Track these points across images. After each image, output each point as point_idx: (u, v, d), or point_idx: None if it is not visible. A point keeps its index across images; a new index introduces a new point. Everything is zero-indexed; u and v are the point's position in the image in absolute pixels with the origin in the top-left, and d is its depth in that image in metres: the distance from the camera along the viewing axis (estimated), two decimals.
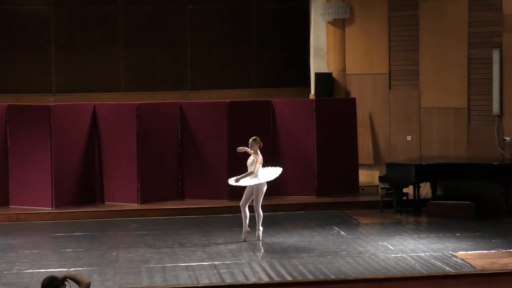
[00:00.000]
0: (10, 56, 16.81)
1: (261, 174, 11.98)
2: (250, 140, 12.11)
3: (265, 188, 12.06)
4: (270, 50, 17.50)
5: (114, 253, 11.37)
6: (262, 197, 12.05)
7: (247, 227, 12.01)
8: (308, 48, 16.90)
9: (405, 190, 14.38)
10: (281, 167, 15.22)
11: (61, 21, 16.94)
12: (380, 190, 14.99)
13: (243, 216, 11.99)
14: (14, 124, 14.51)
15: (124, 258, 11.10)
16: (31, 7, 16.95)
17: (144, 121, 14.66)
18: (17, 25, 16.81)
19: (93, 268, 10.56)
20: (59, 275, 6.33)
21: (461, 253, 11.03)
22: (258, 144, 12.05)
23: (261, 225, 12.13)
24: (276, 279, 9.87)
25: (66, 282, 6.28)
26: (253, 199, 12.01)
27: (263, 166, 12.07)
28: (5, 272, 10.39)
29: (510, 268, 10.22)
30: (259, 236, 12.09)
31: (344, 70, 16.38)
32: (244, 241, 11.93)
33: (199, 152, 15.10)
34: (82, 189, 14.67)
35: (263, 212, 14.39)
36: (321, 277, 9.87)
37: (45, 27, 16.87)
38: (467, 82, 15.05)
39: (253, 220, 12.09)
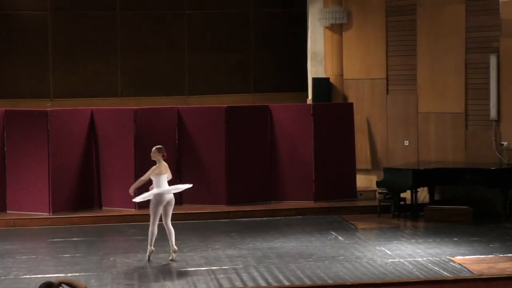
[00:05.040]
0: (7, 61, 16.81)
1: (161, 186, 11.11)
2: (153, 148, 11.22)
3: (168, 201, 11.18)
4: (268, 55, 17.52)
5: (111, 259, 11.36)
6: (170, 212, 11.22)
7: (152, 247, 11.15)
8: (306, 53, 16.91)
9: (403, 195, 14.38)
10: (279, 171, 15.33)
11: (59, 26, 16.94)
12: (377, 195, 14.99)
13: (153, 235, 11.12)
14: (12, 129, 14.48)
15: (122, 264, 11.09)
16: (29, 12, 16.96)
17: (142, 126, 14.65)
18: (14, 30, 16.81)
19: (90, 273, 10.55)
20: (55, 280, 6.31)
21: (459, 258, 11.03)
22: (161, 154, 11.22)
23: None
24: (274, 284, 9.86)
25: None
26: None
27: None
28: (2, 277, 10.37)
29: (508, 273, 10.22)
30: (174, 253, 11.23)
31: (342, 75, 16.39)
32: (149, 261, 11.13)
33: (197, 157, 15.09)
34: (79, 194, 14.65)
35: (261, 217, 14.46)
36: (319, 282, 9.87)
37: (43, 32, 16.87)
38: (465, 87, 15.06)
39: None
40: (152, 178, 11.17)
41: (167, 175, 11.25)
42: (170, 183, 11.42)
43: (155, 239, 11.24)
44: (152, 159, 11.28)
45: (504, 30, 14.50)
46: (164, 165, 11.23)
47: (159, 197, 11.10)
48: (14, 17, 16.87)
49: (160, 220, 11.27)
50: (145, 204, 14.55)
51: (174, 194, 11.36)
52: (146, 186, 11.43)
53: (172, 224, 13.92)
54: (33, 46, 16.85)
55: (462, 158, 15.04)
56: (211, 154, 15.04)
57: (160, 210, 11.16)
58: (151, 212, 11.18)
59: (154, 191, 11.14)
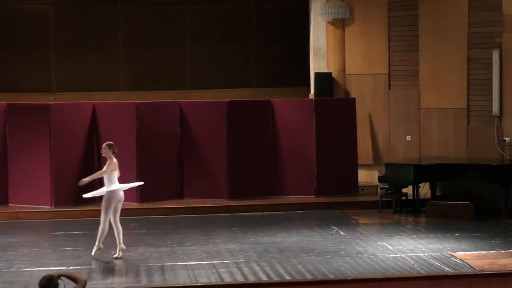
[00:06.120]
0: (9, 55, 16.81)
1: (115, 183, 11.01)
2: (104, 145, 11.12)
3: (120, 198, 11.05)
4: (270, 49, 17.50)
5: (113, 252, 11.36)
6: (119, 209, 11.08)
7: (101, 244, 11.01)
8: (308, 48, 16.90)
9: (404, 190, 14.38)
10: (280, 166, 15.34)
11: (61, 20, 16.94)
12: (379, 190, 15.00)
13: (103, 232, 10.94)
14: (14, 122, 14.50)
15: (123, 257, 11.10)
16: (30, 6, 16.94)
17: (144, 120, 14.66)
18: (16, 24, 16.81)
19: (92, 266, 10.56)
20: (55, 273, 6.31)
21: (460, 254, 11.03)
22: (112, 150, 11.07)
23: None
24: (275, 278, 9.86)
25: (60, 281, 6.27)
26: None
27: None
28: (4, 270, 10.39)
29: (509, 268, 10.22)
30: (122, 251, 11.03)
31: (344, 70, 16.38)
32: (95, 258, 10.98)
33: (198, 151, 15.10)
34: (81, 188, 14.62)
35: (262, 211, 14.47)
36: (320, 277, 9.87)
37: (45, 26, 16.87)
38: (467, 83, 15.05)
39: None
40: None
41: (117, 172, 11.12)
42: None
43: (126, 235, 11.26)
44: (104, 155, 11.16)
45: (507, 26, 14.48)
46: (115, 161, 11.11)
47: (112, 194, 10.97)
48: (16, 11, 16.86)
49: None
50: (147, 198, 14.63)
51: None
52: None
53: (173, 218, 14.00)
54: (35, 40, 16.85)
55: (464, 153, 15.03)
56: (213, 149, 15.04)
57: (112, 207, 11.02)
58: (103, 209, 11.01)
59: (107, 188, 11.01)
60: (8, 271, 10.36)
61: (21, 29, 16.82)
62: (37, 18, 16.89)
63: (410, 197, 14.39)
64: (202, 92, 17.12)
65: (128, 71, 17.17)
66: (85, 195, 11.32)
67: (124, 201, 14.33)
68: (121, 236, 11.07)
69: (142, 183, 12.02)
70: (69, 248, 11.64)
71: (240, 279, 9.85)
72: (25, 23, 16.84)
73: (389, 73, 15.99)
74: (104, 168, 11.05)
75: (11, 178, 14.49)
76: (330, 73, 16.36)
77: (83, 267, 10.48)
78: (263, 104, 15.44)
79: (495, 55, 14.54)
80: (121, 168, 14.52)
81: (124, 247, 11.13)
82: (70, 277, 6.48)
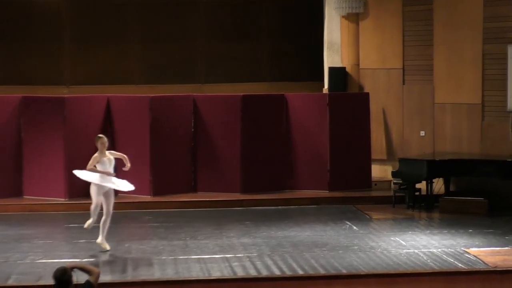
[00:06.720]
0: (23, 48, 16.86)
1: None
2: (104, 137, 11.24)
3: (103, 191, 11.18)
4: (284, 44, 17.48)
5: (126, 245, 11.41)
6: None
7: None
8: (322, 42, 16.87)
9: (418, 185, 14.34)
10: (294, 161, 15.32)
11: (74, 14, 16.98)
12: (392, 186, 14.96)
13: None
14: (28, 115, 14.55)
15: (136, 250, 11.14)
16: (44, 0, 16.98)
17: (157, 113, 14.67)
18: (30, 18, 16.86)
19: (105, 259, 10.60)
20: (68, 265, 6.35)
21: (473, 250, 11.00)
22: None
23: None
24: (288, 273, 9.87)
25: (72, 272, 6.31)
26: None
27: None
28: (18, 261, 10.45)
29: None
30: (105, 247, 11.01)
31: (358, 65, 16.34)
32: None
33: (212, 145, 15.11)
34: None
35: (275, 206, 14.46)
36: (333, 272, 9.87)
37: (58, 19, 16.91)
38: (481, 78, 14.99)
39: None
40: None
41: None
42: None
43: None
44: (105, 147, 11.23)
45: None
46: (94, 155, 11.18)
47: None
48: (30, 5, 16.91)
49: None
50: (160, 191, 14.66)
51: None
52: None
53: (186, 211, 14.02)
54: (48, 33, 16.89)
55: (477, 149, 14.98)
56: (226, 143, 15.05)
57: (100, 196, 11.25)
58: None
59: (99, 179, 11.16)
60: (22, 262, 10.42)
61: (35, 22, 16.87)
62: (51, 11, 16.93)
63: (423, 192, 14.35)
64: (215, 86, 17.12)
65: (141, 65, 17.19)
66: (75, 171, 11.41)
67: (138, 194, 14.55)
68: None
69: (133, 188, 11.77)
70: (83, 241, 11.68)
71: (253, 273, 9.86)
72: (39, 16, 16.88)
73: (403, 68, 15.95)
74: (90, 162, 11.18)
75: (25, 171, 14.56)
76: (344, 68, 16.32)
77: (96, 259, 10.51)
78: (277, 99, 15.43)
79: (510, 50, 14.46)
80: (135, 160, 14.64)
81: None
82: (83, 269, 6.52)
